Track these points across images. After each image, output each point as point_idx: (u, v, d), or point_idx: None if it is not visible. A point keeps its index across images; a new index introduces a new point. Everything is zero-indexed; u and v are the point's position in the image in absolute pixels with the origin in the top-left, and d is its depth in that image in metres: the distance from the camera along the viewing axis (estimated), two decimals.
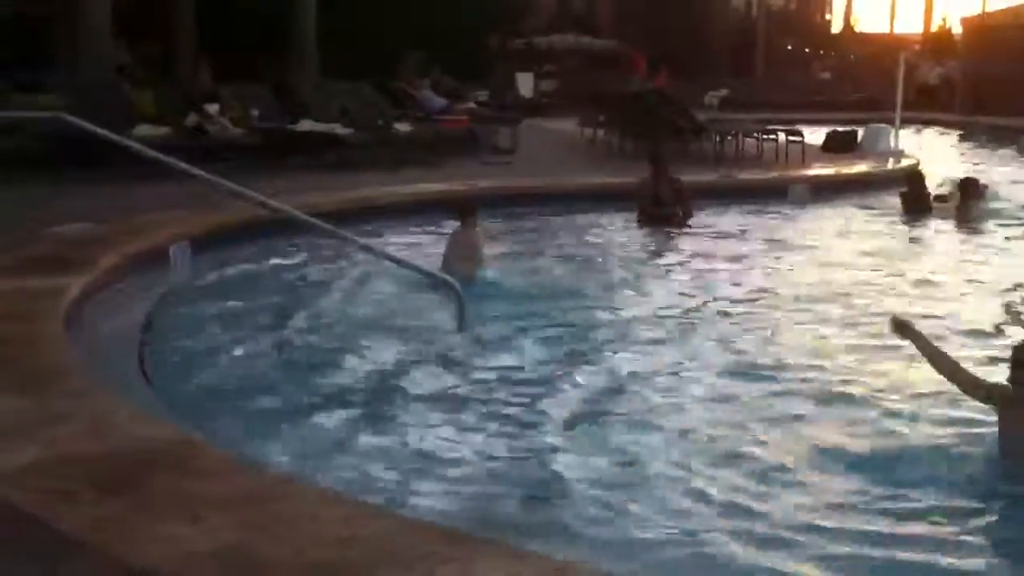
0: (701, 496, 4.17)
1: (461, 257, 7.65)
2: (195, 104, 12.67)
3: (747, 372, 5.83)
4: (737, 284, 8.28)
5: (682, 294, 7.91)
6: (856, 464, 4.47)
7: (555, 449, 4.66)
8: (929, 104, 29.15)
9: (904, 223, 11.24)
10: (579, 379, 5.63)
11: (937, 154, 19.08)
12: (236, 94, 14.05)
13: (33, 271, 6.24)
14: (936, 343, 4.87)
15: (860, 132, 17.79)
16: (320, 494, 3.43)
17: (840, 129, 17.95)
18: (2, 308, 5.42)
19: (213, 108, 12.78)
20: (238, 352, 5.96)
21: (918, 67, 28.94)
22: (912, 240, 10.72)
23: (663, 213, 10.79)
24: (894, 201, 11.90)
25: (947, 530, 3.93)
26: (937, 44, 39.80)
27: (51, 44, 20.94)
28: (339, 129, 13.67)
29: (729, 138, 16.23)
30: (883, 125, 17.75)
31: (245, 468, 3.59)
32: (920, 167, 11.78)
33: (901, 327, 4.83)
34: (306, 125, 13.56)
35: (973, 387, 4.58)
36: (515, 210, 10.73)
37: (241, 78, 15.30)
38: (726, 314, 7.24)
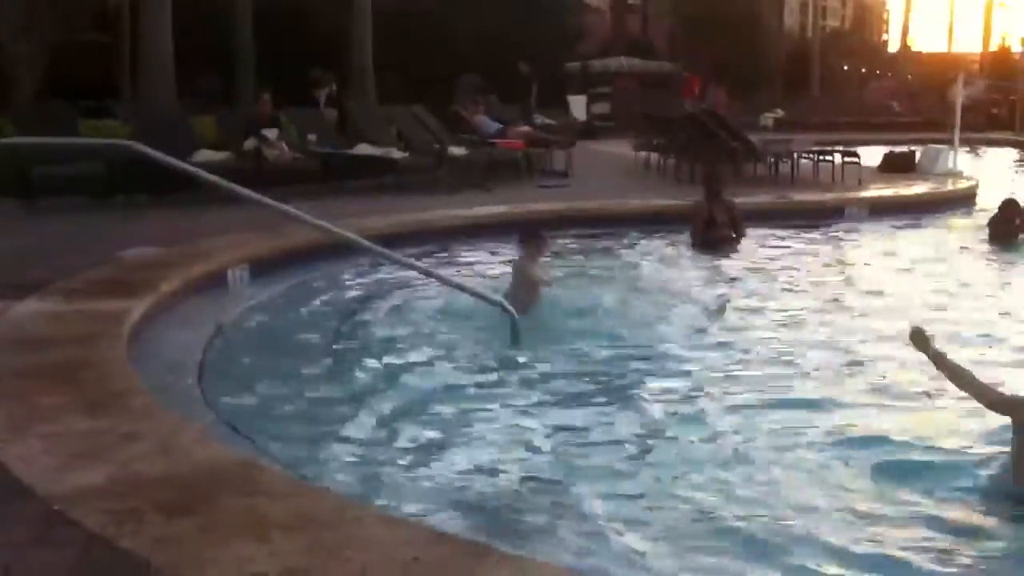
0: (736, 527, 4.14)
1: (522, 283, 7.63)
2: (254, 130, 12.88)
3: (801, 396, 5.81)
4: (790, 306, 8.22)
5: (736, 316, 7.86)
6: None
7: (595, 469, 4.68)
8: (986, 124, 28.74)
9: (978, 249, 10.86)
10: (630, 403, 5.63)
11: (996, 175, 18.79)
12: (295, 119, 14.27)
13: (100, 294, 6.41)
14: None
15: (918, 153, 17.59)
16: (383, 517, 3.47)
17: (897, 150, 17.78)
18: (70, 330, 5.57)
19: (272, 133, 12.97)
20: (297, 373, 6.03)
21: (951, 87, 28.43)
22: (986, 266, 10.32)
23: (717, 236, 10.76)
24: (956, 222, 11.73)
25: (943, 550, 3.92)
26: (996, 63, 39.23)
27: (116, 71, 21.51)
28: (395, 153, 13.81)
29: (784, 159, 16.13)
30: (941, 146, 17.53)
31: (309, 490, 3.65)
32: (1013, 196, 11.22)
33: (918, 339, 4.78)
34: (363, 149, 13.71)
35: (995, 403, 4.52)
36: (569, 233, 10.75)
37: (300, 103, 15.54)
38: (778, 337, 7.18)
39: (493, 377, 6.09)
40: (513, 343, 6.53)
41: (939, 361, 4.75)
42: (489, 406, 5.54)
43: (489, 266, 9.41)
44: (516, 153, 15.64)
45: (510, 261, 8.17)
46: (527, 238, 7.88)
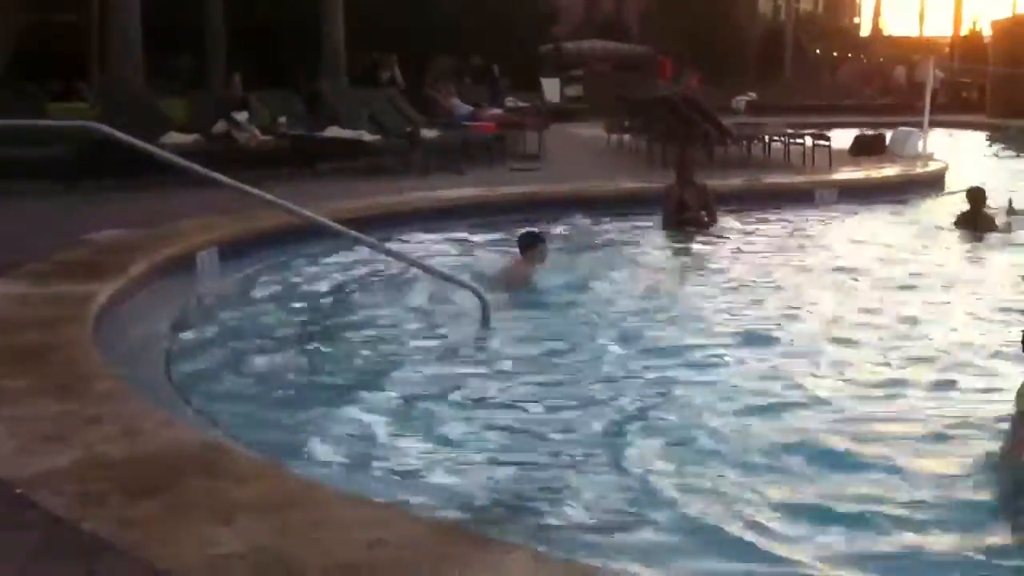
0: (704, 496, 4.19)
1: (510, 284, 7.64)
2: (225, 112, 12.79)
3: (769, 376, 5.86)
4: (761, 289, 8.23)
5: (705, 298, 7.90)
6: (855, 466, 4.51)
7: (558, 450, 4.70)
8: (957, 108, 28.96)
9: (945, 235, 10.80)
10: (600, 384, 5.65)
11: (966, 158, 18.93)
12: (265, 101, 14.18)
13: (67, 277, 6.36)
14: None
15: (888, 136, 17.70)
16: (350, 498, 3.47)
17: (868, 133, 17.85)
18: (37, 313, 5.53)
19: (242, 116, 12.89)
20: (265, 356, 6.01)
21: (916, 68, 28.57)
22: (950, 253, 10.20)
23: (689, 218, 10.79)
24: (925, 205, 11.81)
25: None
26: (966, 47, 39.49)
27: (86, 53, 21.26)
28: (367, 136, 13.75)
29: (756, 142, 16.20)
30: (911, 129, 17.64)
31: (275, 472, 3.64)
32: (980, 186, 11.19)
33: None
34: (334, 131, 13.64)
35: None
36: (541, 215, 10.75)
37: (271, 85, 15.46)
38: (749, 318, 7.22)
39: (464, 359, 6.09)
40: (484, 326, 6.54)
41: None
42: (459, 388, 5.53)
43: (461, 249, 9.41)
44: (488, 136, 15.62)
45: (484, 244, 8.18)
46: (529, 244, 7.88)
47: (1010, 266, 9.23)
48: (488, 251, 9.14)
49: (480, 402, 5.36)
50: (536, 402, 5.34)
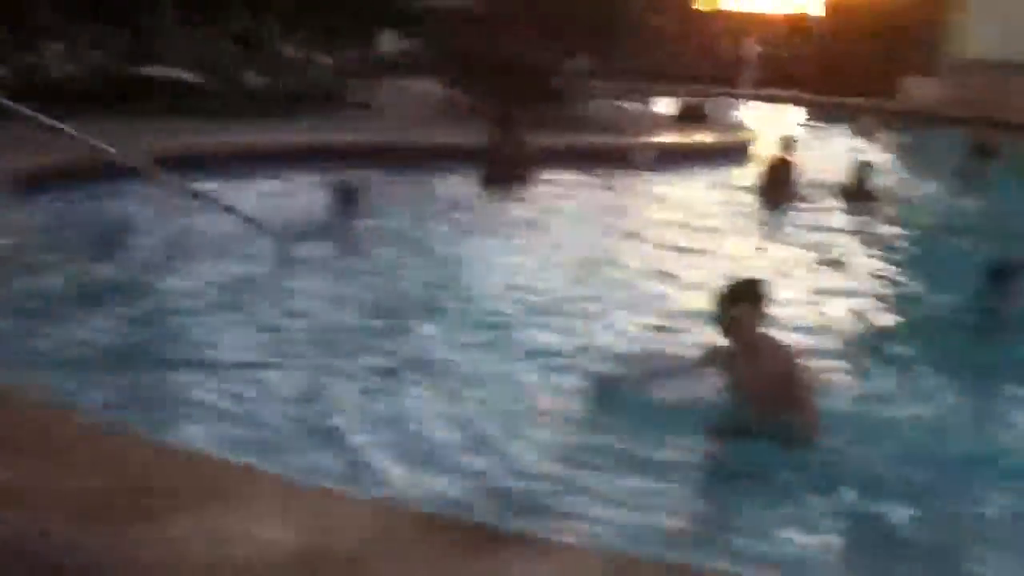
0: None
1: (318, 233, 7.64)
2: (33, 43, 12.19)
3: (569, 333, 6.04)
4: (571, 247, 8.49)
5: (517, 254, 8.09)
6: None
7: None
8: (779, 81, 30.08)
9: (748, 202, 11.23)
10: (399, 334, 5.77)
11: (779, 129, 19.65)
12: (82, 34, 13.55)
13: None
14: None
15: (708, 104, 18.35)
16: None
17: (690, 100, 18.48)
18: None
19: (58, 47, 12.32)
20: (56, 296, 5.89)
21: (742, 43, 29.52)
22: (749, 220, 10.55)
23: (509, 174, 10.96)
24: (736, 172, 12.35)
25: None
26: (792, 24, 41.01)
27: None
28: (189, 76, 13.34)
29: (584, 104, 16.51)
30: (730, 99, 18.34)
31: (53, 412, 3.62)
32: (783, 156, 11.74)
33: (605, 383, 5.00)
34: (153, 70, 13.19)
35: (705, 362, 4.80)
36: (361, 165, 10.71)
37: (90, 18, 14.73)
38: (555, 275, 7.44)
39: (257, 299, 6.12)
40: (282, 265, 6.55)
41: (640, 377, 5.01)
42: (251, 328, 5.57)
43: (272, 193, 9.33)
44: (318, 83, 15.40)
45: (296, 191, 8.13)
46: (344, 193, 7.93)
47: (807, 237, 9.65)
48: (298, 198, 9.08)
49: (268, 344, 5.41)
50: (330, 347, 5.44)
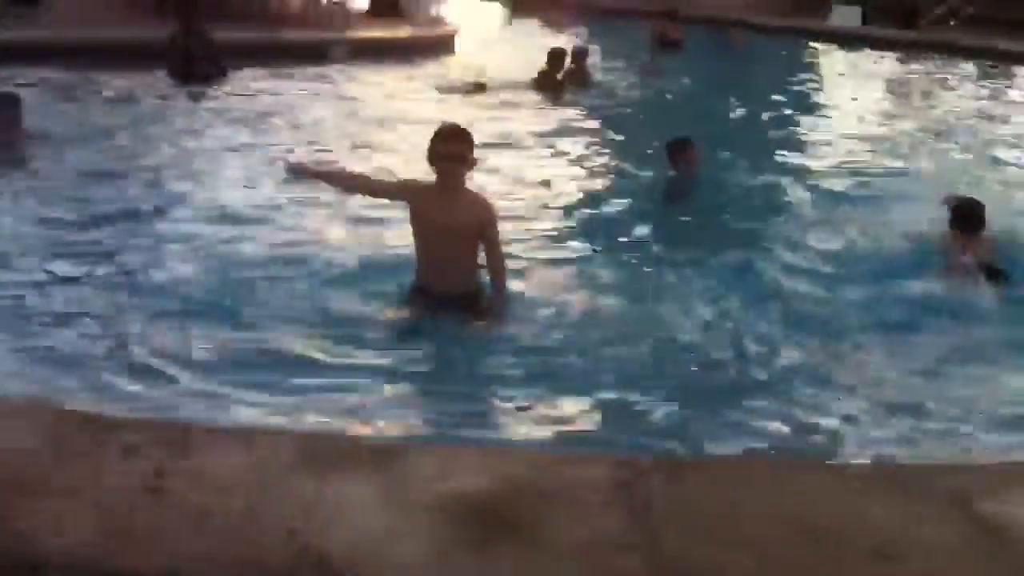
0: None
1: None
2: None
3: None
4: (264, 144, 8.15)
5: (209, 152, 7.75)
6: None
7: None
8: None
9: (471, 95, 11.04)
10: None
11: (484, 25, 19.67)
12: None
13: None
14: None
15: None
16: None
17: None
18: None
19: None
20: None
21: None
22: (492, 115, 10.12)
23: (195, 71, 10.36)
24: (434, 66, 12.29)
25: None
26: None
27: None
28: None
29: None
30: None
31: None
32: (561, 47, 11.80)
33: (296, 170, 5.07)
34: None
35: (396, 190, 4.77)
36: (36, 65, 9.80)
37: None
38: (245, 177, 7.16)
39: None
40: None
41: (330, 178, 5.03)
42: None
43: None
44: None
45: None
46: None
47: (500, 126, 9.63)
48: None
49: None
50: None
